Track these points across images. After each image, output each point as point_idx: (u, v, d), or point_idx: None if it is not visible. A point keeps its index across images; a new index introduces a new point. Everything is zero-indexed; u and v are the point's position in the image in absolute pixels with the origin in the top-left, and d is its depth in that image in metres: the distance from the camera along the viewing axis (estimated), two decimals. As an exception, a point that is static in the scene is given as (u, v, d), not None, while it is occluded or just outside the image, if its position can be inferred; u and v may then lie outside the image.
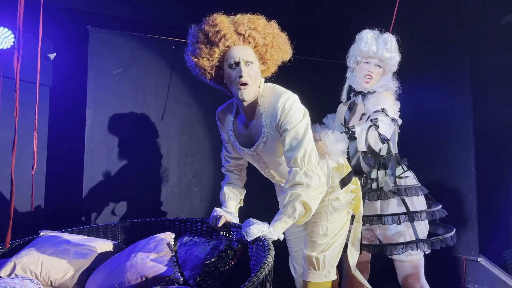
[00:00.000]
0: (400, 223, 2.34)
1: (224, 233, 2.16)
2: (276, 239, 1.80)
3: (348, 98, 2.64)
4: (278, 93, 1.91)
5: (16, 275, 2.05)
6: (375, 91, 2.50)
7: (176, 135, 3.48)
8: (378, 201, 2.44)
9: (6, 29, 2.86)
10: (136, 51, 3.36)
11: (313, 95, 2.77)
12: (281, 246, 1.94)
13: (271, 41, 1.91)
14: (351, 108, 2.60)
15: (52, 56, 3.22)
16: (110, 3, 3.21)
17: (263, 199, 3.05)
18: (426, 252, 2.37)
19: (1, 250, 2.30)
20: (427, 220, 2.43)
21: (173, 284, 1.81)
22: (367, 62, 2.51)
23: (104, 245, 2.29)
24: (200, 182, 3.54)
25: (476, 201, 3.38)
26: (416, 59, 2.89)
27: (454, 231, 2.44)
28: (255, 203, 2.41)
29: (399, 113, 2.42)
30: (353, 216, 2.24)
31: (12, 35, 2.87)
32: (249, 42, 1.89)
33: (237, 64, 1.87)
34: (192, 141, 3.55)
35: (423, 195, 2.48)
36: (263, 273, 1.49)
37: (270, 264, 1.56)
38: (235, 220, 2.13)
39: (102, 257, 2.19)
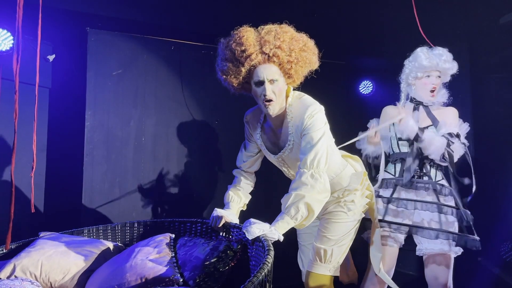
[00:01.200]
0: (429, 211, 2.46)
1: (224, 233, 2.16)
2: (277, 239, 1.81)
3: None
4: (306, 105, 1.99)
5: (16, 276, 2.05)
6: (434, 104, 2.65)
7: (175, 136, 3.48)
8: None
9: (5, 31, 2.86)
10: (135, 52, 3.36)
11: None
12: (281, 247, 1.94)
13: (296, 58, 1.95)
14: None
15: (51, 57, 3.21)
16: (109, 4, 3.20)
17: (263, 200, 3.05)
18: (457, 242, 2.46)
19: (1, 252, 2.29)
20: (456, 220, 2.51)
21: (173, 285, 1.81)
22: (428, 76, 2.62)
23: (104, 246, 2.28)
24: (200, 182, 3.54)
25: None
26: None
27: (478, 239, 2.48)
28: (255, 205, 2.41)
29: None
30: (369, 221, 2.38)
31: (11, 37, 2.87)
32: (274, 61, 1.93)
33: (262, 83, 1.94)
34: (192, 142, 3.55)
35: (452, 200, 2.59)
36: (263, 273, 1.50)
37: (269, 265, 1.57)
38: (235, 221, 2.14)
39: (102, 258, 2.19)
